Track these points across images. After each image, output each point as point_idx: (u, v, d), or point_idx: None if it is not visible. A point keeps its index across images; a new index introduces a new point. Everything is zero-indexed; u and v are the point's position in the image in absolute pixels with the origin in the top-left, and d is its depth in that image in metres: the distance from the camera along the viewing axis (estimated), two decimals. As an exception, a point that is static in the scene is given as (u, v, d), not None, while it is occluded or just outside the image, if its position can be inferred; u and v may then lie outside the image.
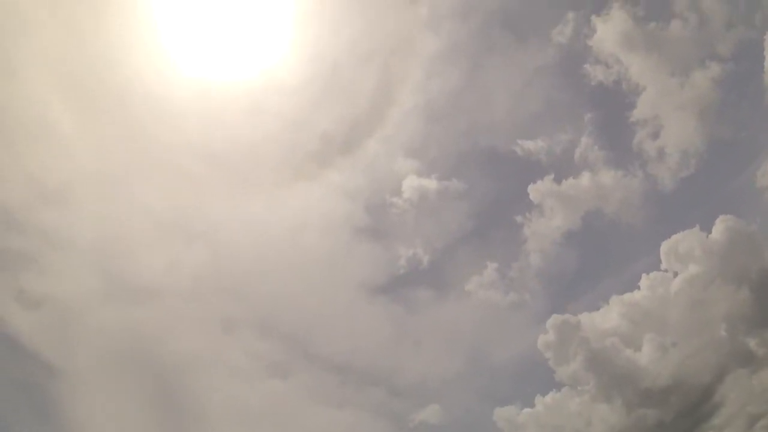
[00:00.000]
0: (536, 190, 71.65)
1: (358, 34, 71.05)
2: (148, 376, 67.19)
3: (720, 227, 64.51)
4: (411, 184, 73.02)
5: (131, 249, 68.33)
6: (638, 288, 67.43)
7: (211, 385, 69.11)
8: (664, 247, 66.23)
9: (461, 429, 72.21)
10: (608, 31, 69.09)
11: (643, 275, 67.36)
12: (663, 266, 66.51)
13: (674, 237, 66.13)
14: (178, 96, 69.14)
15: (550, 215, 72.43)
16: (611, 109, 73.60)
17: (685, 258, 65.56)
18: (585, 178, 71.93)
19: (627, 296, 67.63)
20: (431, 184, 73.46)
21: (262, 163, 72.11)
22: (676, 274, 65.80)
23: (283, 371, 72.79)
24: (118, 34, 66.29)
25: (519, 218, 73.47)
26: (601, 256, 76.14)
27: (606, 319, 67.40)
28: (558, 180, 71.66)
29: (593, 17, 69.51)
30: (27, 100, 65.07)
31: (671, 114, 69.85)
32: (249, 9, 70.61)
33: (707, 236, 64.97)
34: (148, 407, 66.25)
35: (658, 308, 66.24)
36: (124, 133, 67.50)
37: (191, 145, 69.91)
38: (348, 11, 70.50)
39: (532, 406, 66.17)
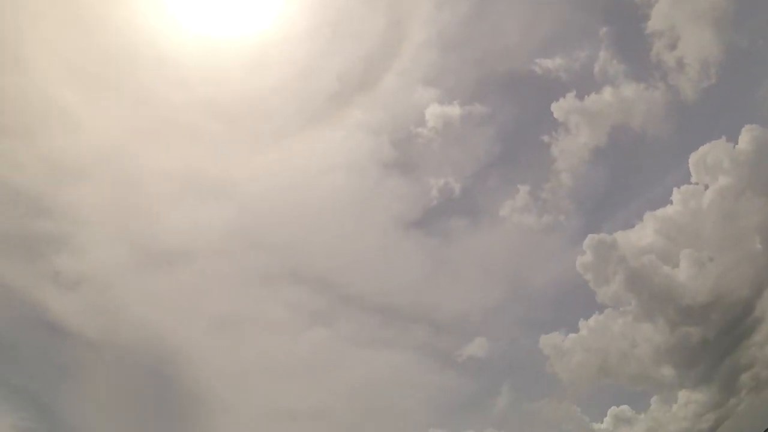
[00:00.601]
0: (560, 108, 71.72)
1: None
2: (193, 337, 67.67)
3: (746, 137, 64.50)
4: (434, 112, 73.14)
5: (155, 215, 68.86)
6: (671, 202, 67.85)
7: (257, 341, 69.83)
8: (693, 159, 66.41)
9: (508, 359, 73.56)
10: None
11: (674, 189, 67.79)
12: (693, 179, 66.77)
13: (701, 149, 66.29)
14: (186, 55, 68.92)
15: (576, 133, 72.76)
16: (626, 22, 73.46)
17: (714, 170, 65.74)
18: (607, 93, 72.10)
19: (660, 212, 68.16)
20: (454, 110, 73.55)
21: (276, 113, 72.03)
22: (706, 187, 66.14)
23: (325, 318, 73.66)
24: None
25: (546, 138, 73.93)
26: (630, 172, 76.84)
27: (641, 236, 67.97)
28: (580, 96, 71.68)
29: None
30: (36, 86, 64.56)
31: (687, 24, 69.68)
32: None
33: (734, 146, 65.00)
34: (195, 372, 67.08)
35: (691, 223, 66.69)
36: (134, 99, 67.75)
37: (203, 104, 70.21)
38: None
39: (577, 330, 67.01)
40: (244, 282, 70.33)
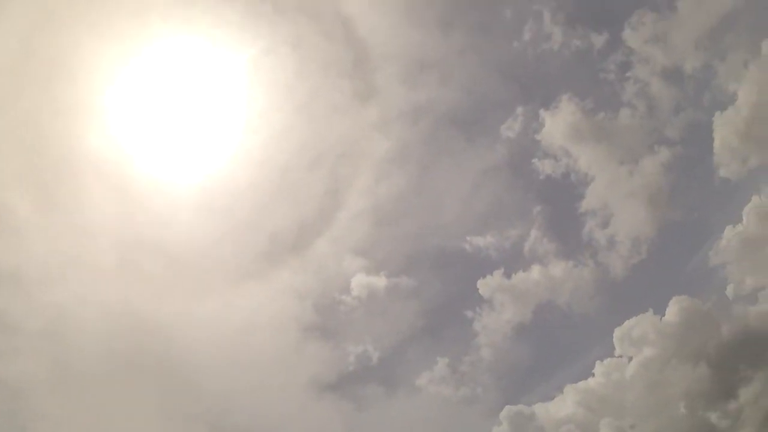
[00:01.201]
0: (486, 285, 70.03)
1: (307, 138, 72.79)
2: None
3: (674, 308, 63.00)
4: (359, 281, 71.60)
5: (81, 338, 67.38)
6: (592, 375, 64.98)
7: None
8: (617, 333, 64.37)
9: None
10: (556, 124, 70.73)
11: (597, 362, 65.20)
12: (617, 352, 64.55)
13: (627, 322, 64.39)
14: (134, 190, 69.40)
15: (500, 309, 70.19)
16: (560, 201, 73.30)
17: (639, 342, 63.49)
18: (535, 271, 70.29)
19: (581, 384, 65.00)
20: (380, 281, 71.96)
21: (214, 264, 70.90)
22: (630, 359, 63.78)
23: None
24: (67, 119, 67.24)
25: (469, 313, 71.54)
26: (553, 347, 72.98)
27: (561, 408, 64.48)
28: (508, 274, 70.42)
29: (541, 111, 71.23)
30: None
31: (621, 202, 69.77)
32: (202, 110, 72.38)
33: (661, 319, 63.42)
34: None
35: (614, 393, 63.49)
36: (78, 221, 68.00)
37: (145, 241, 69.87)
38: (298, 115, 72.16)
39: None
40: (158, 421, 67.89)
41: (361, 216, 74.07)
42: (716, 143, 65.49)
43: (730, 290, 63.07)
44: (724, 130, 64.87)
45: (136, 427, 66.42)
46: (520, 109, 72.13)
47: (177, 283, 71.38)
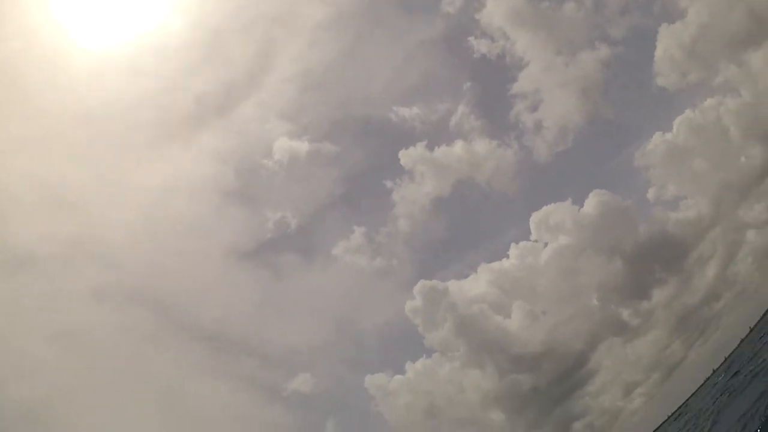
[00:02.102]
0: (408, 156, 71.04)
1: (243, 1, 72.46)
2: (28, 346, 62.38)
3: (593, 201, 64.30)
4: (282, 145, 71.70)
5: (7, 217, 64.53)
6: (507, 257, 66.13)
7: (88, 357, 64.95)
8: (534, 217, 65.40)
9: (333, 397, 71.54)
10: (498, 6, 70.84)
11: (512, 244, 66.39)
12: (533, 237, 65.61)
13: (544, 208, 65.54)
14: (59, 59, 65.28)
15: (420, 181, 71.63)
16: (492, 81, 74.71)
17: (555, 229, 65.06)
18: (458, 146, 71.47)
19: (495, 264, 66.56)
20: (302, 146, 71.52)
21: (138, 124, 69.36)
22: (546, 245, 65.09)
23: (155, 343, 69.14)
24: None
25: (389, 183, 72.23)
26: (470, 225, 75.35)
27: (474, 286, 65.76)
28: (430, 147, 71.09)
29: None
30: None
31: (553, 90, 71.79)
32: None
33: (579, 209, 64.66)
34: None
35: (527, 277, 65.31)
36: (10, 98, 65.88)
37: (68, 108, 65.71)
38: None
39: (403, 372, 64.17)
40: (81, 295, 65.54)
41: (290, 80, 73.12)
42: (658, 53, 66.23)
43: (651, 193, 64.85)
44: (668, 42, 65.34)
45: (57, 310, 65.34)
46: None
47: (96, 146, 68.76)
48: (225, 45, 70.53)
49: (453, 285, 65.54)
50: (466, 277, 67.17)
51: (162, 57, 69.23)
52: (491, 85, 72.66)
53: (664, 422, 52.09)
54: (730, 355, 46.53)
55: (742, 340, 47.64)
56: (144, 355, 67.29)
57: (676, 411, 51.65)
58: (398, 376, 63.63)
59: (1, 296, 63.13)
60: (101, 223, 67.93)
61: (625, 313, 59.82)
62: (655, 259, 60.84)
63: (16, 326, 62.57)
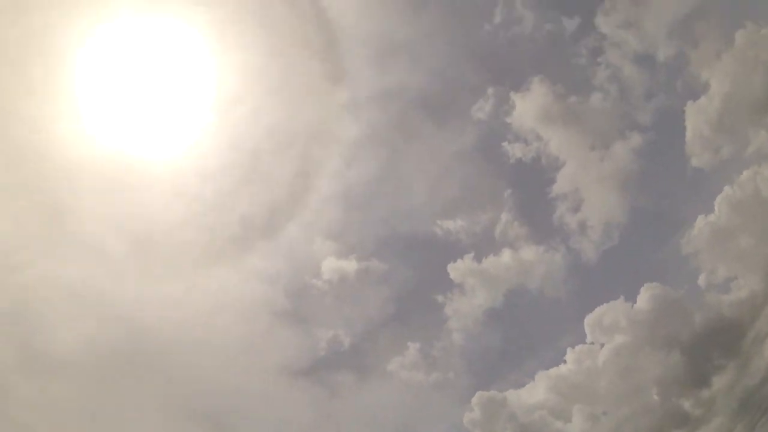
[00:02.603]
0: (456, 269, 69.74)
1: (277, 120, 71.62)
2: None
3: (645, 296, 63.28)
4: (330, 265, 70.90)
5: (47, 322, 64.68)
6: (564, 362, 65.17)
7: None
8: (589, 320, 64.56)
9: None
10: (527, 107, 69.98)
11: (569, 349, 65.34)
12: (588, 339, 64.80)
13: (598, 309, 64.67)
14: (99, 170, 68.15)
15: (471, 294, 69.82)
16: (531, 185, 72.89)
17: (610, 329, 63.92)
18: (506, 255, 69.97)
19: (553, 371, 65.18)
20: (350, 265, 71.07)
21: (182, 246, 69.39)
22: (602, 346, 64.05)
23: None
24: (37, 99, 65.81)
25: (440, 298, 71.00)
26: (524, 333, 73.00)
27: (533, 394, 64.75)
28: (478, 258, 70.05)
29: (512, 93, 70.34)
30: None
31: (592, 187, 69.49)
32: (173, 92, 71.13)
33: (632, 306, 63.70)
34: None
35: (585, 380, 63.77)
36: (41, 203, 64.42)
37: (110, 222, 67.59)
38: (268, 97, 71.31)
39: None
40: (126, 405, 66.45)
41: (332, 199, 73.31)
42: (688, 133, 65.31)
43: (702, 279, 62.98)
44: (696, 119, 64.77)
45: (103, 410, 65.22)
46: (490, 91, 71.29)
47: (143, 265, 69.52)
48: (263, 166, 71.47)
49: (511, 395, 64.93)
50: (523, 385, 65.94)
51: (202, 179, 70.47)
52: (531, 189, 72.18)
53: None
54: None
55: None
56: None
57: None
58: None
59: (31, 396, 64.13)
60: (147, 337, 68.62)
61: (687, 404, 58.63)
62: (712, 345, 59.55)
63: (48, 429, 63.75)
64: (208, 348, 70.81)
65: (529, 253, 70.59)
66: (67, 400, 64.75)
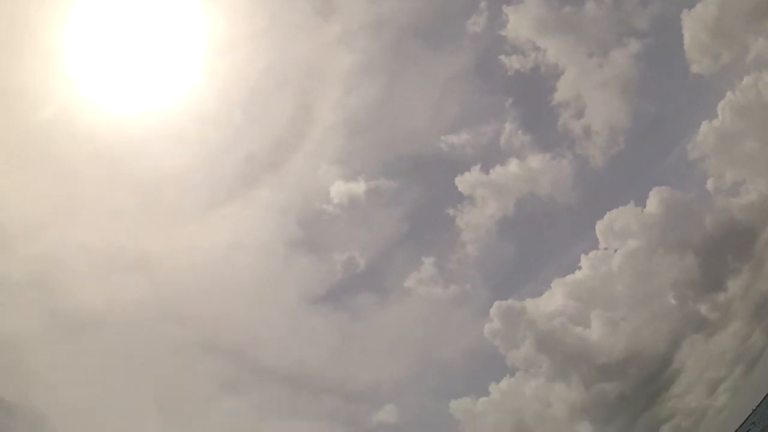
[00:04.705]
0: (464, 182, 70.29)
1: (273, 59, 71.65)
2: (103, 405, 63.00)
3: (654, 200, 64.49)
4: (339, 189, 71.40)
5: (70, 285, 65.15)
6: (579, 269, 66.26)
7: (168, 411, 65.12)
8: (600, 226, 65.67)
9: (419, 425, 69.12)
10: (521, 19, 69.73)
11: (582, 255, 66.31)
12: (601, 245, 65.76)
13: (608, 215, 65.70)
14: (101, 130, 67.47)
15: (481, 205, 70.93)
16: (532, 94, 73.43)
17: (622, 234, 65.29)
18: (513, 165, 71.00)
19: (569, 278, 66.46)
20: (359, 186, 71.56)
21: (191, 191, 71.04)
22: (615, 251, 65.22)
23: (236, 389, 69.64)
24: (35, 71, 65.28)
25: (451, 211, 71.46)
26: (537, 241, 74.86)
27: (551, 301, 65.98)
28: (485, 169, 70.67)
29: (504, 6, 70.21)
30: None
31: (594, 93, 70.14)
32: (163, 39, 70.76)
33: (642, 210, 64.87)
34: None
35: (602, 285, 65.35)
36: (50, 172, 66.02)
37: (118, 179, 68.51)
38: (262, 37, 70.72)
39: (488, 394, 64.02)
40: (155, 352, 66.31)
41: (335, 128, 73.29)
42: (686, 40, 65.60)
43: (710, 184, 64.42)
44: (694, 26, 65.02)
45: (134, 366, 65.82)
46: (483, 5, 71.54)
47: (154, 216, 70.06)
48: (263, 103, 71.92)
49: (529, 303, 66.05)
50: (541, 294, 67.07)
51: (203, 122, 70.76)
52: (532, 98, 72.25)
53: (750, 415, 52.68)
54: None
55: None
56: (223, 400, 68.30)
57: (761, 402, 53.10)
58: (483, 399, 63.87)
59: (73, 357, 64.04)
60: (168, 285, 69.26)
61: (704, 309, 60.14)
62: (725, 248, 61.11)
63: (89, 386, 63.78)
64: (227, 286, 71.98)
65: (536, 160, 71.58)
66: (95, 356, 64.92)
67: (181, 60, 71.45)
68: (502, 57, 70.89)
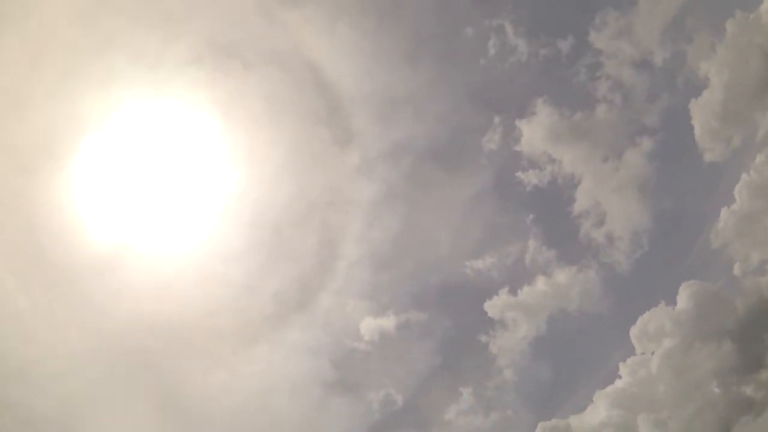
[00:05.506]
0: (493, 306, 69.57)
1: (294, 193, 72.77)
2: None
3: (684, 295, 62.93)
4: (368, 325, 70.86)
5: (97, 425, 65.81)
6: (619, 377, 64.71)
7: None
8: (634, 331, 64.26)
9: None
10: (534, 132, 70.65)
11: (620, 364, 64.82)
12: (638, 350, 64.36)
13: (641, 319, 64.35)
14: (128, 270, 68.90)
15: (513, 327, 69.43)
16: (552, 208, 72.96)
17: (657, 335, 63.43)
18: (540, 282, 69.94)
19: (610, 388, 64.52)
20: (389, 322, 70.85)
21: (218, 333, 69.91)
22: (653, 353, 63.44)
23: None
24: (65, 210, 68.01)
25: (483, 338, 70.43)
26: (573, 356, 71.78)
27: (594, 415, 63.62)
28: (513, 291, 69.97)
29: (517, 121, 71.14)
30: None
31: (612, 198, 70.12)
32: (181, 181, 72.37)
33: (674, 308, 63.41)
34: None
35: (644, 389, 63.02)
36: (77, 309, 66.89)
37: (145, 320, 67.94)
38: (281, 170, 72.49)
39: None
40: None
41: (360, 262, 73.48)
42: (697, 129, 65.87)
43: (737, 268, 62.95)
44: (702, 114, 65.41)
45: None
46: (497, 120, 71.99)
47: (182, 358, 70.12)
48: (287, 240, 72.60)
49: (574, 420, 64.15)
50: (584, 409, 65.12)
51: (226, 262, 71.19)
52: (552, 212, 72.24)
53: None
54: None
55: None
56: None
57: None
58: None
59: None
60: (199, 428, 69.59)
61: (748, 390, 58.08)
62: (760, 328, 59.30)
63: None
64: (263, 430, 70.69)
65: (563, 275, 70.52)
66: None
67: (203, 201, 73.17)
68: (519, 173, 71.70)
